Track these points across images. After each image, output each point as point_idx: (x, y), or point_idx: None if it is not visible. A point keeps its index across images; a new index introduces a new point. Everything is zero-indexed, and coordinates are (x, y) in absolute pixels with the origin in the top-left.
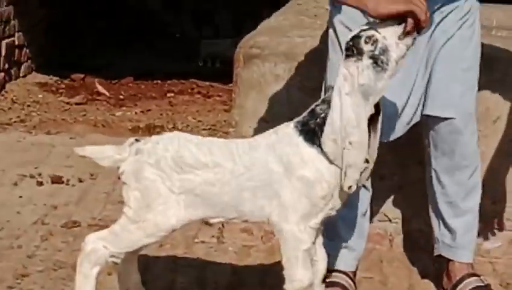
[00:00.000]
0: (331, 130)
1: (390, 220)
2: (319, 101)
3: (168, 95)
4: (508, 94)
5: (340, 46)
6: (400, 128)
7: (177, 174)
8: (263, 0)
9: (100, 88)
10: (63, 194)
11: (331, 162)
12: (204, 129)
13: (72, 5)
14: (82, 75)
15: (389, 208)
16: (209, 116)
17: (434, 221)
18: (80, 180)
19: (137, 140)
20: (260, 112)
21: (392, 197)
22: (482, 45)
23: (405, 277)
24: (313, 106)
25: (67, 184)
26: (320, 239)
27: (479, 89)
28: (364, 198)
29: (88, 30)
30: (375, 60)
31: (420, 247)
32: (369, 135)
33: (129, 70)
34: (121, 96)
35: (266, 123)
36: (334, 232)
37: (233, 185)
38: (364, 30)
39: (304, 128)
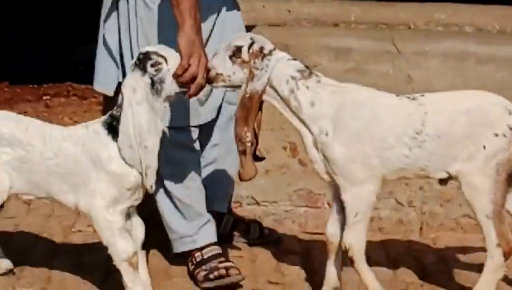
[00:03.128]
0: (125, 137)
1: (258, 203)
2: (116, 106)
3: (44, 98)
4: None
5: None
6: (209, 113)
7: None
8: None
9: None
10: None
11: (130, 166)
12: None
13: None
14: None
15: (257, 191)
16: (85, 116)
17: None
18: None
19: None
20: None
21: (260, 181)
22: None
23: (272, 254)
24: (112, 111)
25: None
26: (133, 210)
27: None
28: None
29: None
30: (152, 84)
31: (288, 227)
32: None
33: (3, 75)
34: None
35: None
36: (194, 212)
37: (42, 167)
38: (157, 54)
39: (110, 128)
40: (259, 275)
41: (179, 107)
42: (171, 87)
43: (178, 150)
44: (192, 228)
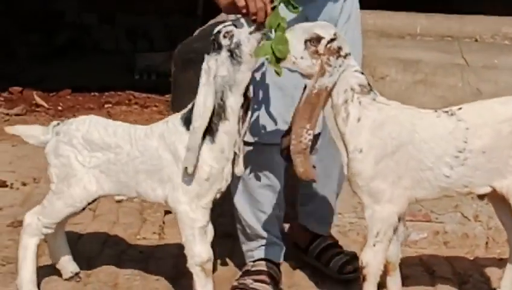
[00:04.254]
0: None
1: None
2: None
3: (106, 106)
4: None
5: None
6: None
7: (87, 152)
8: (195, 15)
9: (39, 100)
10: (8, 196)
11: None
12: None
13: (5, 20)
14: (20, 88)
15: None
16: (147, 125)
17: None
18: (24, 184)
19: (58, 123)
20: None
21: None
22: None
23: None
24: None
25: (11, 188)
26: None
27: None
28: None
29: (22, 44)
30: (231, 54)
31: (352, 239)
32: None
33: (66, 84)
34: (60, 108)
35: None
36: (255, 235)
37: (130, 166)
38: (225, 26)
39: (187, 118)
40: None
41: (273, 122)
42: (249, 42)
43: (267, 168)
44: (254, 243)
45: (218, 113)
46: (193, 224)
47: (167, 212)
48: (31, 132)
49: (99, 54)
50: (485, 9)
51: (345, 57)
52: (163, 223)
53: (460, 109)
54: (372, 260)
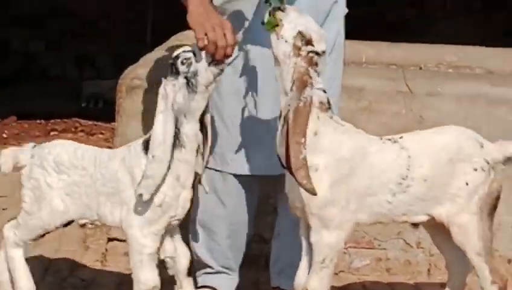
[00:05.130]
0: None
1: (266, 242)
2: None
3: (52, 133)
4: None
5: None
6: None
7: (56, 174)
8: (144, 43)
9: None
10: None
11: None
12: None
13: None
14: None
15: (265, 229)
16: None
17: None
18: None
19: (34, 146)
20: None
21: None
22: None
23: None
24: None
25: None
26: (179, 237)
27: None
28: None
29: None
30: (188, 81)
31: None
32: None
33: (12, 111)
34: (4, 135)
35: None
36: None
37: (92, 188)
38: (184, 51)
39: (147, 144)
40: None
41: (236, 152)
42: (206, 74)
43: (225, 197)
44: (202, 270)
45: (173, 140)
46: (142, 250)
47: (110, 239)
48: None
49: (46, 81)
50: (430, 39)
51: (318, 74)
52: (106, 250)
53: (401, 137)
54: (317, 287)
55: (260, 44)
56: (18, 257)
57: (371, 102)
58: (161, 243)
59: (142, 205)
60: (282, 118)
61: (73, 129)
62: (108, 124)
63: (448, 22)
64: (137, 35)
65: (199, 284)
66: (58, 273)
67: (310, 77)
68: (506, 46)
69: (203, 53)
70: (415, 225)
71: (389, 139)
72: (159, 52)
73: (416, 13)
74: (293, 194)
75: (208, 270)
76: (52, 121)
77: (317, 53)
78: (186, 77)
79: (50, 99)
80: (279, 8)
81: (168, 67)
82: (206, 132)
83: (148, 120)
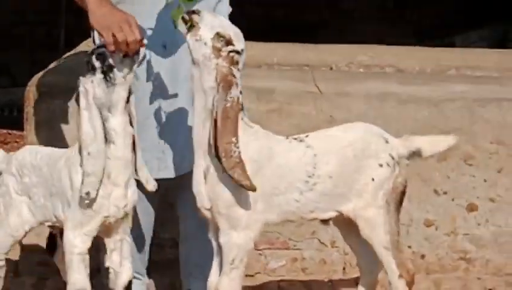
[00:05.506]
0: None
1: None
2: None
3: None
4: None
5: None
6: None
7: (20, 178)
8: (59, 51)
9: None
10: None
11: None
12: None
13: None
14: None
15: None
16: None
17: None
18: None
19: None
20: (52, 147)
21: None
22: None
23: None
24: None
25: None
26: (127, 253)
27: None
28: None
29: None
30: (105, 75)
31: None
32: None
33: None
34: None
35: None
36: None
37: (46, 189)
38: (98, 47)
39: None
40: None
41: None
42: (122, 66)
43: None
44: None
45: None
46: (72, 249)
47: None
48: None
49: None
50: (346, 39)
51: (239, 70)
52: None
53: (307, 136)
54: (228, 288)
55: (161, 46)
56: None
57: (281, 103)
58: (107, 253)
59: (75, 206)
60: (211, 120)
61: None
62: (23, 133)
63: (363, 22)
64: (52, 42)
65: None
66: None
67: (234, 76)
68: (417, 45)
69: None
70: (325, 222)
71: (295, 139)
72: (68, 58)
73: (331, 14)
74: (200, 196)
75: None
76: None
77: (237, 52)
78: (103, 72)
79: None
80: (193, 12)
81: (83, 68)
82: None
83: (57, 127)
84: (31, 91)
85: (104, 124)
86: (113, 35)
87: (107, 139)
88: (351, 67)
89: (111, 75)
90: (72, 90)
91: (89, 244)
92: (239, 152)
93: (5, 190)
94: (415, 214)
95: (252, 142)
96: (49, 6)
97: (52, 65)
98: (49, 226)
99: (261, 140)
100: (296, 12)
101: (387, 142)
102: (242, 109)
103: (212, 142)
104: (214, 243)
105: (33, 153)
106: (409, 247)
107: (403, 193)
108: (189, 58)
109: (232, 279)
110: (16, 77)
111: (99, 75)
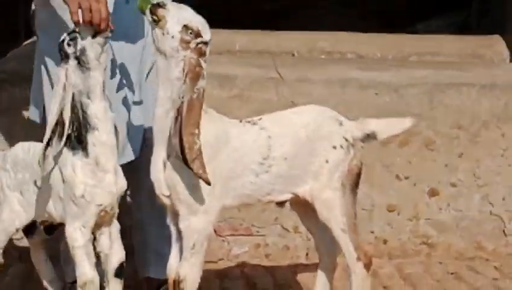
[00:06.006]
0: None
1: None
2: None
3: None
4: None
5: None
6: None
7: (13, 174)
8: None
9: None
10: None
11: None
12: None
13: None
14: None
15: None
16: None
17: None
18: None
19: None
20: (13, 135)
21: None
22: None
23: None
24: None
25: None
26: (116, 235)
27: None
28: None
29: None
30: (78, 61)
31: None
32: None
33: None
34: None
35: None
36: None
37: (38, 186)
38: (68, 34)
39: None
40: None
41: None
42: (93, 47)
43: None
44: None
45: (83, 125)
46: (73, 243)
47: None
48: None
49: None
50: (306, 27)
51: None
52: None
53: (260, 119)
54: (189, 273)
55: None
56: None
57: (242, 90)
58: (96, 236)
59: (68, 199)
60: (175, 110)
61: None
62: None
63: (325, 11)
64: (13, 31)
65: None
66: None
67: (202, 68)
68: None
69: (85, 28)
70: (280, 204)
71: (249, 122)
72: (27, 46)
73: (292, 2)
74: (159, 183)
75: None
76: None
77: (205, 43)
78: (76, 57)
79: None
80: (158, 5)
81: None
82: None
83: (16, 115)
84: None
85: (84, 112)
86: (79, 7)
87: (88, 128)
88: (312, 53)
89: (84, 58)
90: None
91: (88, 236)
92: (200, 144)
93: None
94: (377, 199)
95: (207, 126)
96: None
97: (11, 53)
98: (40, 222)
99: (217, 124)
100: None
101: (341, 124)
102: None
103: (173, 132)
104: (173, 229)
105: (26, 150)
106: (372, 232)
107: (359, 175)
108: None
109: (193, 264)
110: None
111: (72, 62)
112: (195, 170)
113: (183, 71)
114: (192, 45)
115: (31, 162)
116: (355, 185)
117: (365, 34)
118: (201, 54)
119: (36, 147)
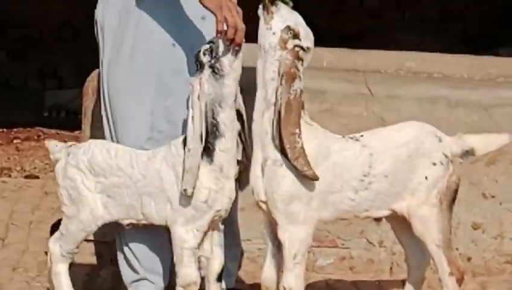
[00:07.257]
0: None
1: None
2: None
3: (15, 141)
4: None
5: None
6: None
7: (92, 176)
8: None
9: None
10: None
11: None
12: (51, 171)
13: None
14: None
15: None
16: None
17: None
18: None
19: (71, 145)
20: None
21: None
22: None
23: None
24: None
25: None
26: (217, 240)
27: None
28: None
29: None
30: (213, 69)
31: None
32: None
33: None
34: None
35: None
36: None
37: (133, 189)
38: (206, 43)
39: (185, 140)
40: None
41: None
42: (228, 56)
43: None
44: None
45: (212, 132)
46: (182, 244)
47: None
48: (50, 146)
49: (8, 90)
50: (389, 48)
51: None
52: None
53: (362, 135)
54: (294, 284)
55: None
56: (62, 272)
57: (333, 104)
58: (202, 240)
59: (187, 202)
60: (275, 111)
61: (36, 137)
62: (71, 133)
63: (406, 33)
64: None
65: None
66: (26, 273)
67: (298, 70)
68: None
69: (220, 39)
70: (378, 220)
71: (351, 138)
72: None
73: (374, 25)
74: (257, 189)
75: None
76: (15, 129)
77: (302, 48)
78: (211, 66)
79: (12, 108)
80: (273, 2)
81: None
82: (241, 116)
83: None
84: (89, 86)
85: (214, 119)
86: (225, 18)
87: (216, 135)
88: (400, 72)
89: (218, 66)
90: None
91: (199, 239)
92: (302, 143)
93: (71, 184)
94: (462, 217)
95: (310, 140)
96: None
97: None
98: (127, 225)
99: (320, 138)
100: (338, 22)
101: (440, 140)
102: (303, 108)
103: (275, 134)
104: (268, 237)
105: (104, 152)
106: (456, 249)
107: (456, 191)
108: None
109: (297, 275)
110: (63, 80)
111: (207, 71)
112: (300, 168)
113: (278, 72)
114: (290, 46)
115: (118, 166)
116: (453, 201)
117: (450, 55)
118: (298, 57)
119: (116, 149)
